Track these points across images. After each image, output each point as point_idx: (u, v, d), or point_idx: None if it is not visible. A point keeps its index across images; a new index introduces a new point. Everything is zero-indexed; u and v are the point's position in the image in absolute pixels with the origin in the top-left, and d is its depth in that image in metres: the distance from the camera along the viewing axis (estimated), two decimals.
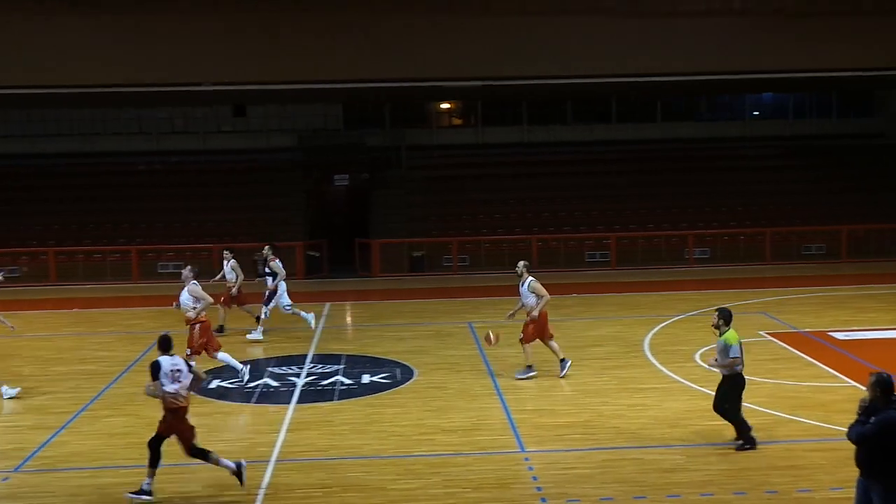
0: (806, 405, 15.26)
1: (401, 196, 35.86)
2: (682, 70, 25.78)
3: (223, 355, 17.39)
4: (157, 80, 25.11)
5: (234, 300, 21.50)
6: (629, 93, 36.26)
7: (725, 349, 13.03)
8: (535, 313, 17.03)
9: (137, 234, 33.28)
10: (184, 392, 11.87)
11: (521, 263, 17.40)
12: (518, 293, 17.45)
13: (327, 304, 26.43)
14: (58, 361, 19.37)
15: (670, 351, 19.27)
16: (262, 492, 12.01)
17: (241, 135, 38.32)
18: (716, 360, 13.27)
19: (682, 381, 16.94)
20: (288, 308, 21.49)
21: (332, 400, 16.34)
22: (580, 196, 35.66)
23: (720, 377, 13.30)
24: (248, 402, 16.33)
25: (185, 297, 17.20)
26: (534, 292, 17.04)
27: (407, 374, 17.98)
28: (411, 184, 36.36)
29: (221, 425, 15.05)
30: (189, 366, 12.08)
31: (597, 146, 38.28)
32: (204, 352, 17.18)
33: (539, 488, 11.95)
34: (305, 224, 34.99)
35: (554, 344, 17.44)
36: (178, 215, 34.31)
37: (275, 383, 17.46)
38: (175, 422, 11.85)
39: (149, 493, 11.74)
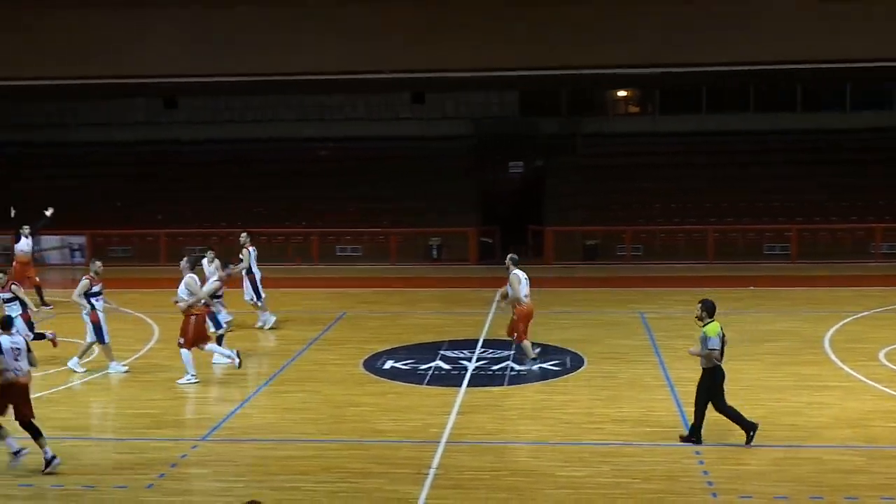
0: None
1: (575, 184, 35.67)
2: (873, 55, 24.70)
3: (211, 346, 17.33)
4: (341, 69, 25.91)
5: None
6: (814, 80, 34.92)
7: (704, 340, 12.94)
8: (501, 301, 17.69)
9: (316, 217, 34.29)
10: (19, 370, 12.27)
11: (508, 257, 17.99)
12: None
13: (498, 291, 26.57)
14: (241, 338, 20.19)
15: (853, 349, 18.52)
16: (432, 471, 12.26)
17: (417, 122, 38.86)
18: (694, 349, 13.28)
19: (866, 380, 16.28)
20: (250, 300, 21.55)
21: (501, 385, 16.51)
22: (760, 187, 34.54)
23: None
24: (421, 383, 16.68)
25: (181, 289, 17.00)
26: (510, 286, 17.44)
27: (577, 362, 17.95)
28: (586, 172, 36.09)
29: (392, 405, 15.43)
30: (28, 348, 12.57)
31: (779, 135, 36.95)
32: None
33: (710, 483, 11.75)
34: (479, 210, 35.28)
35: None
36: (353, 201, 35.15)
37: (446, 366, 17.77)
38: (11, 397, 12.26)
39: (52, 458, 12.20)
